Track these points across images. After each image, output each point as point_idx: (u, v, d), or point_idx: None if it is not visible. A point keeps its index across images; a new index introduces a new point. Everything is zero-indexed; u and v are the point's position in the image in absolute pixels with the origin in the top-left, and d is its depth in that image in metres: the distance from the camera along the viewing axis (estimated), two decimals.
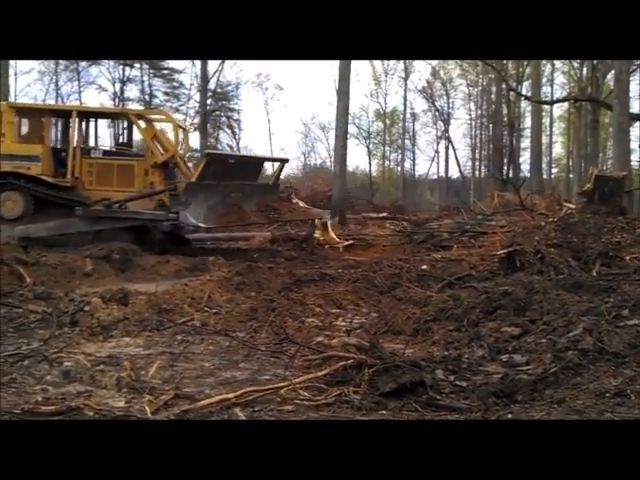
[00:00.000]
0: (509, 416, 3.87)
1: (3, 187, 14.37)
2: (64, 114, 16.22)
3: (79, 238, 14.01)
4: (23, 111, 15.74)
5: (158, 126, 16.18)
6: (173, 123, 16.24)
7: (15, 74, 39.42)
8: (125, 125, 16.39)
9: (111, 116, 17.63)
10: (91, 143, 16.27)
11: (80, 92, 44.35)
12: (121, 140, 16.52)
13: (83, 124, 15.95)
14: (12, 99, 33.59)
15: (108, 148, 16.53)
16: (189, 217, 13.75)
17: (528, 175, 34.54)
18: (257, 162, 17.20)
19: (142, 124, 15.77)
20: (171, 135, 15.88)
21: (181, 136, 16.32)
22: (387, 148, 56.25)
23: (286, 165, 18.06)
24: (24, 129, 15.45)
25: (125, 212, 14.29)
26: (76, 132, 15.51)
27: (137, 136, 16.66)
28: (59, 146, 15.96)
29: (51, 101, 41.03)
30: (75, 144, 15.29)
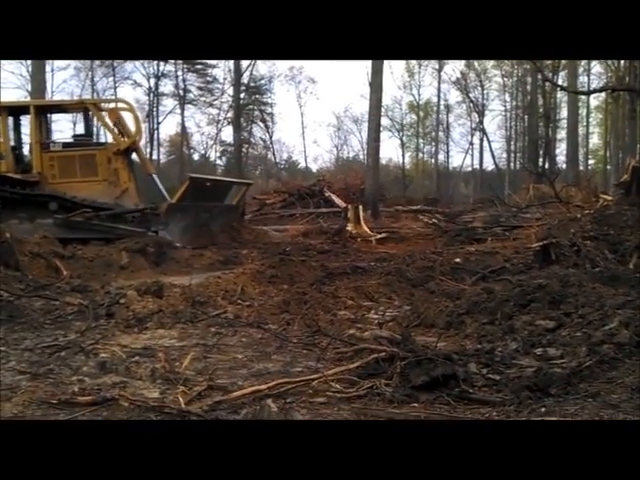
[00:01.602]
0: (543, 410, 3.84)
1: None
2: (21, 110, 16.23)
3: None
4: None
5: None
6: (133, 111, 16.40)
7: (52, 70, 40.05)
8: (86, 116, 16.52)
9: (70, 108, 17.74)
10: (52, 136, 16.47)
11: (115, 87, 44.91)
12: (78, 131, 16.71)
13: (42, 118, 15.93)
14: (49, 95, 34.18)
15: (65, 141, 16.64)
16: (167, 236, 14.21)
17: (564, 167, 34.08)
18: (227, 185, 17.43)
19: (102, 113, 15.82)
20: (131, 123, 15.95)
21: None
22: (421, 140, 55.95)
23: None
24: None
25: (105, 226, 14.32)
26: (35, 127, 15.39)
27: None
28: (18, 142, 16.07)
29: (87, 96, 41.56)
30: (35, 139, 15.26)
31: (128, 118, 15.87)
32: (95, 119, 16.40)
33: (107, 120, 15.63)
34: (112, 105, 16.57)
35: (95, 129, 17.12)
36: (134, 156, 16.03)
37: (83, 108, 16.43)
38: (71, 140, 16.62)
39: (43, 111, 16.20)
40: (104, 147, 15.66)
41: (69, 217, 14.35)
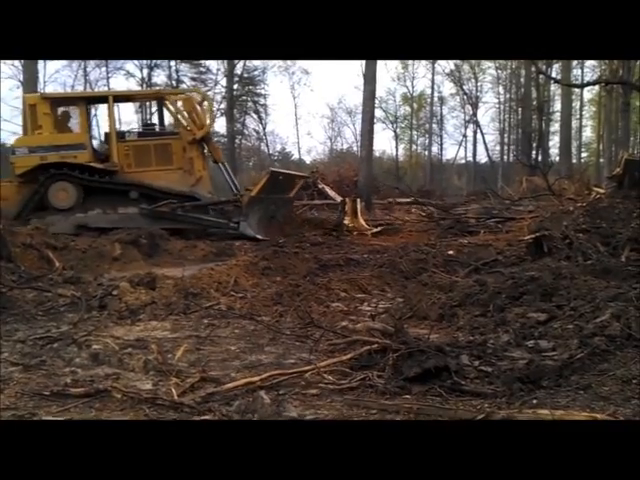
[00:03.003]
0: (534, 402, 3.86)
1: (54, 178, 14.52)
2: (99, 100, 16.57)
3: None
4: (57, 101, 15.86)
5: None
6: (208, 101, 16.63)
7: (44, 60, 39.67)
8: (160, 106, 16.72)
9: (145, 98, 17.87)
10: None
11: (108, 78, 44.54)
12: (149, 121, 17.00)
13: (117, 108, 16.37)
14: (41, 85, 33.97)
15: (139, 130, 16.94)
16: (248, 228, 14.49)
17: (557, 159, 34.14)
18: (293, 178, 17.44)
19: (178, 103, 16.01)
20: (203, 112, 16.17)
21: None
22: (414, 132, 55.77)
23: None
24: (63, 119, 15.67)
25: (189, 217, 14.69)
26: (113, 117, 15.82)
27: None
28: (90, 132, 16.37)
29: (80, 87, 41.33)
30: (112, 129, 15.52)
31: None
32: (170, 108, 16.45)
33: (182, 110, 15.81)
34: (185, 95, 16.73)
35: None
36: None
37: (158, 98, 16.59)
38: (140, 129, 17.01)
39: (120, 101, 16.39)
40: (179, 136, 15.77)
41: (155, 207, 14.60)
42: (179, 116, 15.96)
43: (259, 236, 14.36)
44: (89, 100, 16.40)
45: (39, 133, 14.81)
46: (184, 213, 14.66)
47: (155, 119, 17.02)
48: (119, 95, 17.43)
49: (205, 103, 16.38)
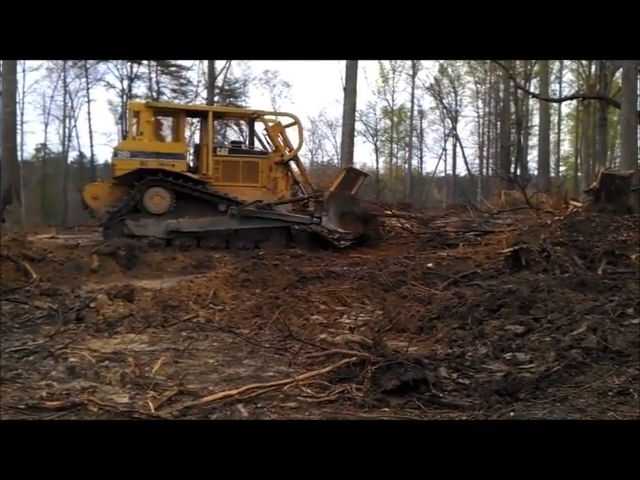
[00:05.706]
0: (511, 414, 3.88)
1: (152, 183, 15.01)
2: (200, 114, 17.19)
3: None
4: (161, 111, 16.62)
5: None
6: (299, 125, 16.96)
7: (23, 71, 39.40)
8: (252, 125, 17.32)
9: (241, 117, 19.36)
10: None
11: (88, 89, 44.35)
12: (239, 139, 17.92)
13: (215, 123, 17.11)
14: (20, 96, 33.77)
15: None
16: (329, 223, 15.45)
17: (535, 173, 34.45)
18: (360, 176, 17.90)
19: (270, 124, 16.51)
20: (293, 135, 16.93)
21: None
22: (394, 145, 56.10)
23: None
24: (164, 128, 16.48)
25: (274, 214, 15.46)
26: (212, 131, 16.41)
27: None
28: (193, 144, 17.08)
29: (59, 97, 41.16)
30: (209, 143, 16.00)
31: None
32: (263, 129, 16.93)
33: (273, 131, 16.34)
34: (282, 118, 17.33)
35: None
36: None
37: (252, 117, 17.08)
38: (229, 146, 17.54)
39: (218, 117, 17.54)
40: (267, 156, 16.31)
41: (244, 207, 15.25)
42: (269, 137, 16.46)
43: (340, 230, 15.43)
44: (189, 113, 17.34)
45: (140, 139, 15.36)
46: (270, 211, 15.41)
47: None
48: (217, 111, 18.34)
49: (295, 126, 16.88)
